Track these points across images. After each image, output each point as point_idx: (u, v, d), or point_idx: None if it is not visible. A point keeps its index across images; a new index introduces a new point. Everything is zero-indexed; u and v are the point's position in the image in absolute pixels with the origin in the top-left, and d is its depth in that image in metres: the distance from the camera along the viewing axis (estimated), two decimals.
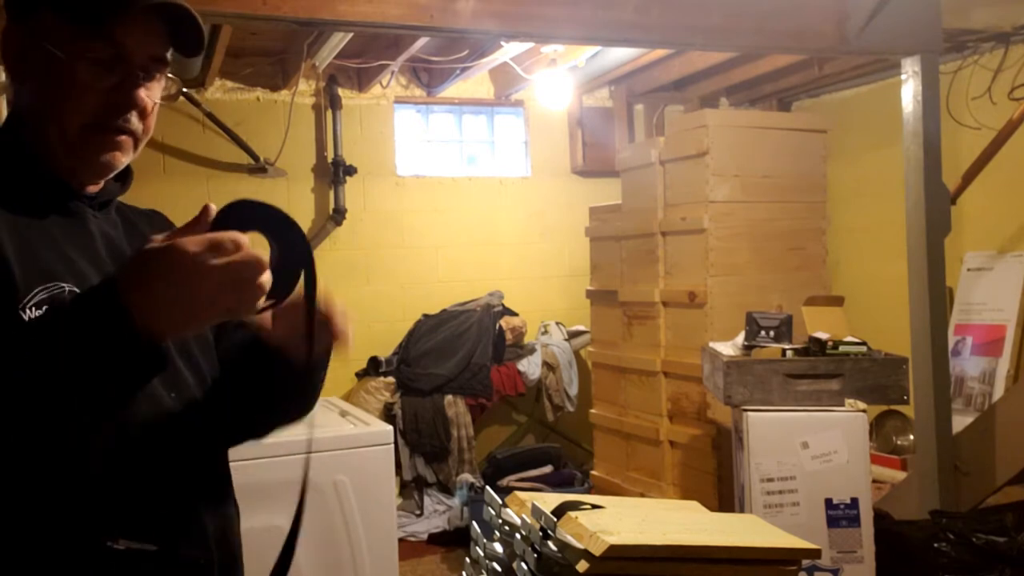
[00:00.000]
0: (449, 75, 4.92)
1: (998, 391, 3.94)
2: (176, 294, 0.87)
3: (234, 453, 1.24)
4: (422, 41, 4.13)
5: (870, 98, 4.85)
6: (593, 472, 4.33)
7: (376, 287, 4.98)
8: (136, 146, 1.12)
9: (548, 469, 4.60)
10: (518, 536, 1.38)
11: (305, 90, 4.94)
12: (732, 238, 3.50)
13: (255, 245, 0.92)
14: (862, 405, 2.62)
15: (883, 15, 3.05)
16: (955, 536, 2.72)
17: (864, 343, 2.81)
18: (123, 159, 1.11)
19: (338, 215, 4.95)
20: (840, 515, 2.53)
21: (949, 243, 3.21)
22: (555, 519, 1.32)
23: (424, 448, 4.64)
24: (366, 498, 2.99)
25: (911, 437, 4.22)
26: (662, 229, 3.70)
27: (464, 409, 4.73)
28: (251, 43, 4.54)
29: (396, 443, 3.62)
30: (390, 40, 4.42)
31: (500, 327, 4.97)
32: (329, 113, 4.96)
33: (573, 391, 5.08)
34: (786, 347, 2.83)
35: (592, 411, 4.31)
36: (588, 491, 4.21)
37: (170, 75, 1.13)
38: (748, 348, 2.87)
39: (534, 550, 1.32)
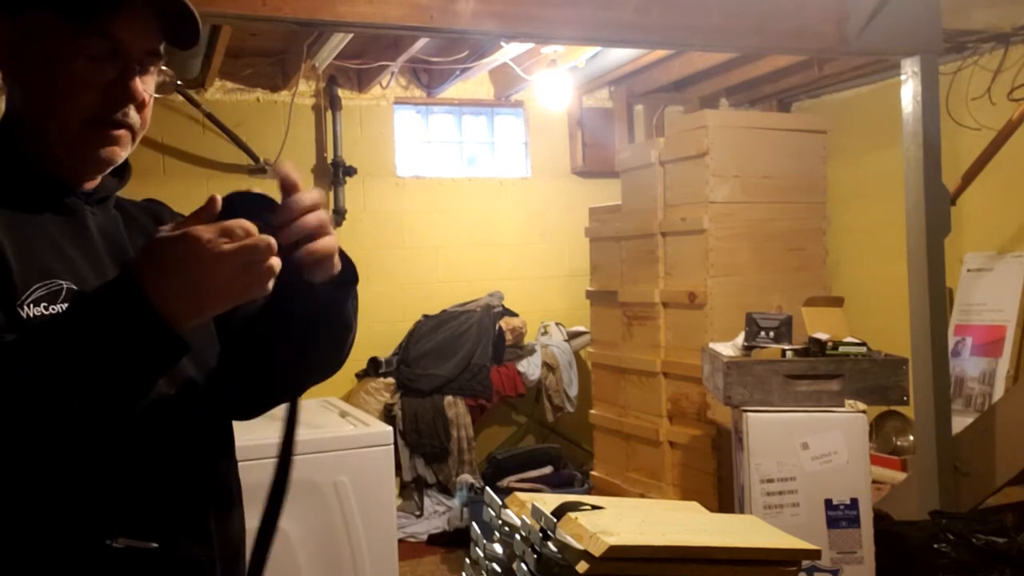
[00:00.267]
0: (449, 76, 4.92)
1: (998, 391, 3.94)
2: (193, 279, 0.90)
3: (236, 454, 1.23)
4: (422, 42, 4.13)
5: (870, 98, 4.85)
6: (593, 473, 4.33)
7: (376, 288, 4.98)
8: (133, 140, 1.12)
9: (548, 470, 4.60)
10: (518, 537, 1.38)
11: (305, 91, 4.94)
12: (732, 238, 3.50)
13: None
14: (862, 406, 2.62)
15: (883, 15, 3.05)
16: (955, 537, 2.72)
17: (864, 344, 2.81)
18: (122, 153, 1.11)
19: (338, 216, 4.95)
20: (840, 516, 2.53)
21: (949, 243, 3.21)
22: (555, 520, 1.32)
23: (424, 449, 4.64)
24: (366, 499, 2.99)
25: (911, 438, 4.22)
26: (662, 229, 3.70)
27: (464, 410, 4.73)
28: (251, 44, 4.55)
29: (396, 444, 3.63)
30: (390, 41, 4.42)
31: (500, 328, 4.97)
32: (329, 114, 4.96)
33: (573, 392, 5.08)
34: (786, 348, 2.83)
35: (592, 412, 4.31)
36: (588, 492, 4.21)
37: (164, 67, 1.13)
38: (748, 349, 2.87)
39: (534, 551, 1.32)
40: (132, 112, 1.09)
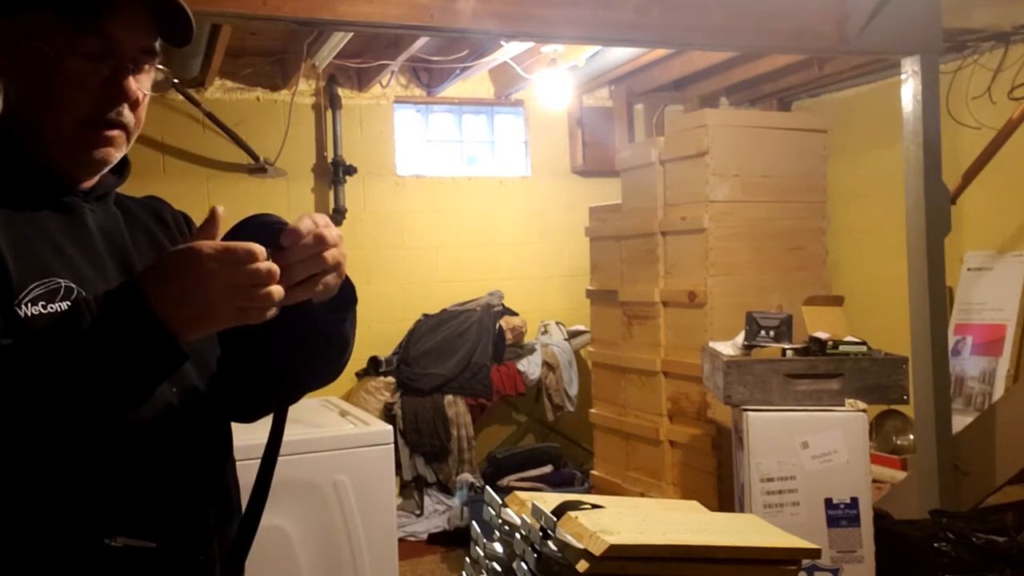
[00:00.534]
0: (449, 75, 4.92)
1: (998, 391, 3.94)
2: (191, 291, 0.91)
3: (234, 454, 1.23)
4: (422, 41, 4.13)
5: (870, 98, 4.85)
6: (593, 472, 4.33)
7: (376, 287, 4.98)
8: (128, 139, 1.12)
9: (548, 469, 4.60)
10: (518, 536, 1.37)
11: (305, 90, 4.94)
12: (732, 238, 3.50)
13: None
14: (862, 405, 2.62)
15: (883, 15, 3.05)
16: (955, 536, 2.72)
17: (864, 343, 2.81)
18: (116, 155, 1.11)
19: (338, 215, 4.95)
20: (840, 515, 2.53)
21: (949, 243, 3.21)
22: (555, 519, 1.32)
23: (424, 448, 4.64)
24: (366, 498, 2.98)
25: (911, 437, 4.22)
26: (662, 229, 3.70)
27: (464, 409, 4.73)
28: (251, 43, 4.55)
29: (396, 443, 3.62)
30: (390, 40, 4.42)
31: (500, 327, 4.97)
32: (329, 113, 4.96)
33: (573, 391, 5.08)
34: (786, 347, 2.83)
35: (592, 411, 4.31)
36: (588, 491, 4.21)
37: (159, 66, 1.13)
38: (748, 348, 2.87)
39: (534, 550, 1.32)
40: (126, 111, 1.09)
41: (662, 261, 3.71)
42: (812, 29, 3.07)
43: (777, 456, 2.55)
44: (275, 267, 0.94)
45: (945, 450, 3.12)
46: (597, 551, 1.21)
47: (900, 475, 3.82)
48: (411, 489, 4.67)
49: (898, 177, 3.26)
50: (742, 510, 2.62)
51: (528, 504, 1.42)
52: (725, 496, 3.34)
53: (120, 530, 1.01)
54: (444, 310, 5.11)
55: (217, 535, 1.12)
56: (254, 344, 1.15)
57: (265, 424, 1.27)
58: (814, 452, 2.55)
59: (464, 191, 5.35)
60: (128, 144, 1.13)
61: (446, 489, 4.66)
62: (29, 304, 0.99)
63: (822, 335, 2.83)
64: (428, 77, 5.17)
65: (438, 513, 4.58)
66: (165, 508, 1.07)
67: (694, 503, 1.68)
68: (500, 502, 1.51)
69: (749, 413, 2.58)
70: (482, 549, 1.49)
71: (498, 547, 1.46)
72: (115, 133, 1.09)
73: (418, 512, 4.61)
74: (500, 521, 1.47)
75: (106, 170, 1.13)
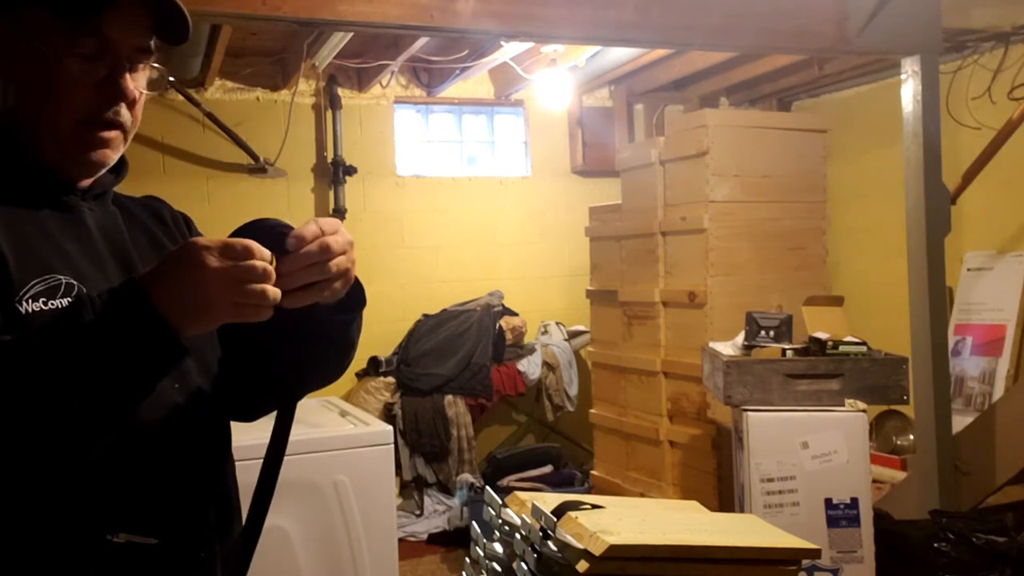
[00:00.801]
0: (449, 75, 4.92)
1: (998, 391, 3.94)
2: (186, 286, 0.92)
3: (234, 454, 1.23)
4: (422, 41, 4.13)
5: (870, 98, 4.85)
6: (593, 472, 4.33)
7: (376, 287, 4.98)
8: (125, 139, 1.12)
9: (548, 469, 4.59)
10: (518, 536, 1.38)
11: (305, 90, 4.94)
12: (732, 238, 3.50)
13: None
14: (862, 405, 2.62)
15: (883, 15, 3.05)
16: (955, 536, 2.72)
17: (864, 343, 2.81)
18: (113, 156, 1.12)
19: (338, 215, 4.94)
20: (840, 515, 2.53)
21: (949, 243, 3.21)
22: (555, 519, 1.32)
23: (424, 448, 4.64)
24: (366, 498, 2.98)
25: (911, 437, 4.22)
26: (662, 229, 3.70)
27: (464, 409, 4.73)
28: (251, 43, 4.54)
29: (396, 443, 3.62)
30: (390, 40, 4.42)
31: (500, 327, 4.97)
32: (329, 113, 4.96)
33: (573, 391, 5.08)
34: (786, 347, 2.83)
35: (592, 411, 4.31)
36: (588, 491, 4.21)
37: (154, 64, 1.13)
38: (748, 348, 2.87)
39: (534, 550, 1.32)
40: (123, 110, 1.09)
41: (662, 261, 3.71)
42: (812, 29, 3.07)
43: (777, 456, 2.55)
44: (270, 267, 0.94)
45: (945, 450, 3.12)
46: (597, 551, 1.21)
47: (900, 475, 3.82)
48: (411, 489, 4.67)
49: (898, 177, 3.26)
50: (742, 510, 2.62)
51: (528, 504, 1.42)
52: (725, 496, 3.34)
53: (122, 526, 1.02)
54: (444, 310, 5.11)
55: (217, 534, 1.13)
56: (255, 343, 1.15)
57: (265, 424, 1.27)
58: (814, 452, 2.55)
59: (464, 191, 5.35)
60: (125, 144, 1.13)
61: (446, 489, 4.66)
62: (30, 301, 0.99)
63: (822, 335, 2.83)
64: (428, 77, 5.17)
65: (438, 513, 4.57)
66: (167, 505, 1.07)
67: (694, 503, 1.68)
68: (500, 502, 1.51)
69: (749, 413, 2.58)
70: (482, 549, 1.49)
71: (498, 547, 1.46)
72: (112, 134, 1.09)
73: (418, 512, 4.61)
74: (500, 521, 1.47)
75: (104, 170, 1.14)
